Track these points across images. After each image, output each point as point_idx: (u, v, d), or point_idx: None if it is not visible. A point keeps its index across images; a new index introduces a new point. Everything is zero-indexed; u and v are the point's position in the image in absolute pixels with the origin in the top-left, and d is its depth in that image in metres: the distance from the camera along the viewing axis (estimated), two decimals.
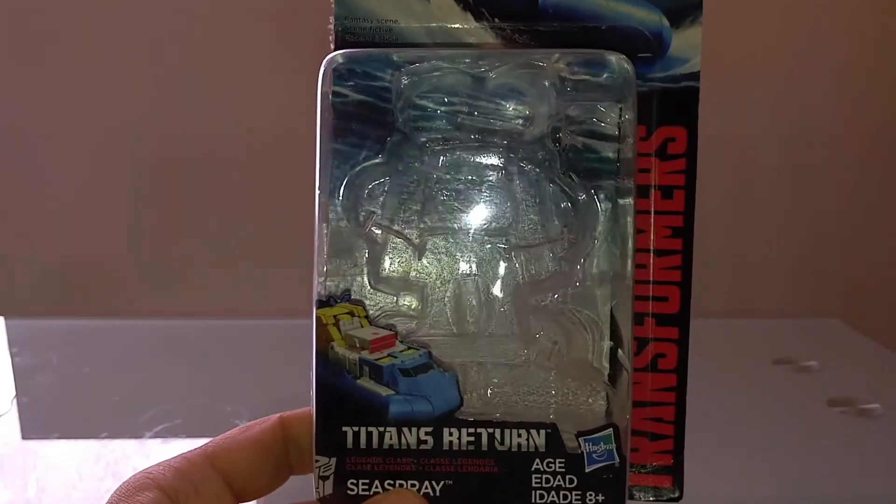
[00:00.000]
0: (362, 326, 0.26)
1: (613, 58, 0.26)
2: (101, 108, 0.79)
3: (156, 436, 0.55)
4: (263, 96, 0.79)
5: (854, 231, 0.86)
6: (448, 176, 0.26)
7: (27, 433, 0.57)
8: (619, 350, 0.26)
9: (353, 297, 0.26)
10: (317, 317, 0.26)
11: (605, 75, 0.26)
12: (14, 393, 0.62)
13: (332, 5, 0.27)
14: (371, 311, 0.26)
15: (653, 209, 0.27)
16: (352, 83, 0.26)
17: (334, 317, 0.26)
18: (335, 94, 0.26)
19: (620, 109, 0.26)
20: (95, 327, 0.76)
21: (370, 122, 0.26)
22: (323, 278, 0.26)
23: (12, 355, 0.69)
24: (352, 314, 0.26)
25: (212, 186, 0.80)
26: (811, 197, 0.85)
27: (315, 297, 0.26)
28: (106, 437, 0.56)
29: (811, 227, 0.85)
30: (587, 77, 0.26)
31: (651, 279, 0.27)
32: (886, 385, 0.65)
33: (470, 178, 0.26)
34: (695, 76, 0.27)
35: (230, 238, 0.81)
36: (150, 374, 0.66)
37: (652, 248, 0.27)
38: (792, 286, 0.86)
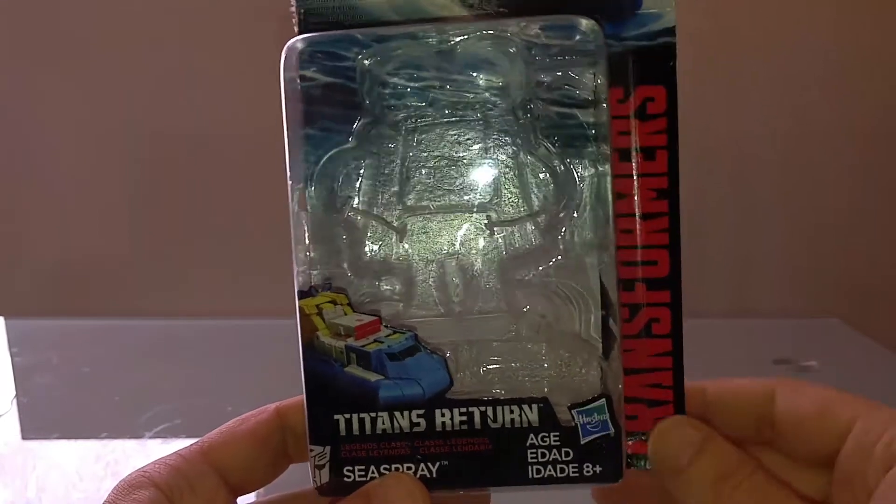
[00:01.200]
0: (346, 314, 0.26)
1: (582, 21, 0.25)
2: (100, 108, 0.79)
3: (156, 436, 0.55)
4: (264, 96, 0.79)
5: (854, 231, 0.86)
6: (424, 154, 0.26)
7: (27, 433, 0.57)
8: (610, 319, 0.26)
9: (334, 285, 0.26)
10: (299, 308, 0.26)
11: (575, 39, 0.25)
12: (14, 393, 0.62)
13: None
14: (354, 298, 0.26)
15: (636, 172, 0.26)
16: (316, 66, 0.25)
17: (317, 306, 0.26)
18: (302, 78, 0.25)
19: (593, 74, 0.25)
20: (95, 327, 0.77)
21: (340, 105, 0.26)
22: (303, 267, 0.26)
23: (12, 355, 0.69)
24: (334, 302, 0.26)
25: (212, 186, 0.80)
26: (811, 196, 0.85)
27: (296, 288, 0.26)
28: (106, 437, 0.56)
29: (811, 227, 0.85)
30: (556, 42, 0.25)
31: (639, 244, 0.27)
32: (886, 385, 0.65)
33: (446, 154, 0.26)
34: (670, 31, 0.26)
35: (230, 238, 0.81)
36: (150, 374, 0.66)
37: (637, 212, 0.26)
38: (792, 286, 0.86)
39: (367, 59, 0.25)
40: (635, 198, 0.26)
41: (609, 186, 0.26)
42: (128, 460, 0.53)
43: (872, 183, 0.85)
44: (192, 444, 0.26)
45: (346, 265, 0.26)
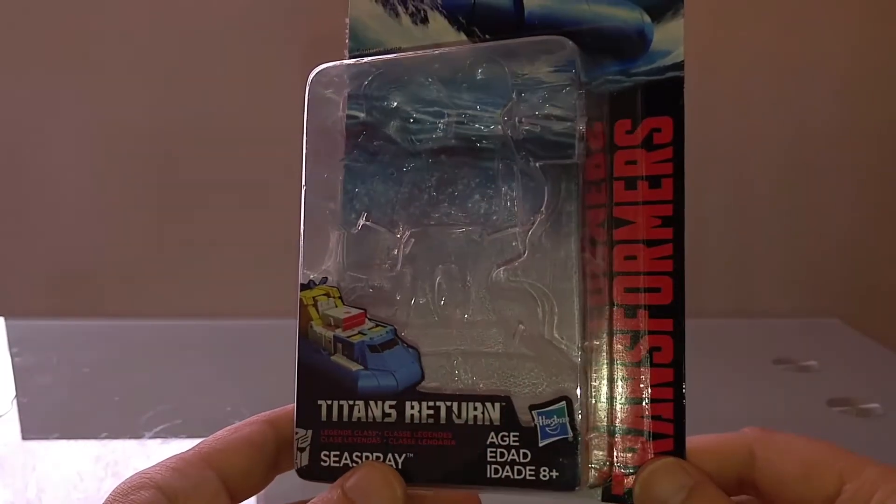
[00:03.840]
0: (336, 306, 0.28)
1: (558, 42, 0.27)
2: (100, 109, 0.79)
3: (156, 436, 0.55)
4: (267, 98, 0.79)
5: (854, 231, 0.86)
6: (421, 175, 0.28)
7: (27, 433, 0.57)
8: (577, 319, 0.26)
9: (329, 281, 0.28)
10: (300, 299, 0.28)
11: (554, 61, 0.27)
12: (14, 393, 0.62)
13: (347, 41, 0.30)
14: (345, 293, 0.28)
15: (641, 200, 0.27)
16: (351, 106, 0.29)
17: (313, 298, 0.28)
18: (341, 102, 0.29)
19: (566, 89, 0.26)
20: (95, 327, 0.77)
21: (354, 133, 0.29)
22: (306, 262, 0.28)
23: (12, 355, 0.69)
24: (328, 295, 0.28)
25: (212, 186, 0.81)
26: (811, 197, 0.85)
27: (299, 281, 0.28)
28: (106, 437, 0.56)
29: (811, 228, 0.85)
30: (539, 66, 0.27)
31: (642, 270, 0.27)
32: (886, 385, 0.65)
33: (444, 175, 0.28)
34: (679, 66, 0.27)
35: (230, 238, 0.81)
36: (150, 374, 0.66)
37: (642, 238, 0.27)
38: (792, 286, 0.86)
39: (376, 89, 0.29)
40: (640, 225, 0.27)
41: (577, 194, 0.26)
42: (128, 460, 0.53)
43: (872, 184, 0.85)
44: (191, 448, 0.26)
45: (342, 264, 0.28)
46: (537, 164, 0.27)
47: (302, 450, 0.27)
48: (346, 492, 0.25)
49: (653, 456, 0.26)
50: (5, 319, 0.76)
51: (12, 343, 0.71)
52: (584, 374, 0.26)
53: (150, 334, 0.75)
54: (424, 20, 0.29)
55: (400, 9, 0.30)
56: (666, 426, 0.26)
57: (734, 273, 0.85)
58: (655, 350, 0.26)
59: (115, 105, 0.79)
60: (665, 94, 0.27)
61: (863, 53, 0.83)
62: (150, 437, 0.55)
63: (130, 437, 0.55)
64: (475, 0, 0.29)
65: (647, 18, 0.27)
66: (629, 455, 0.26)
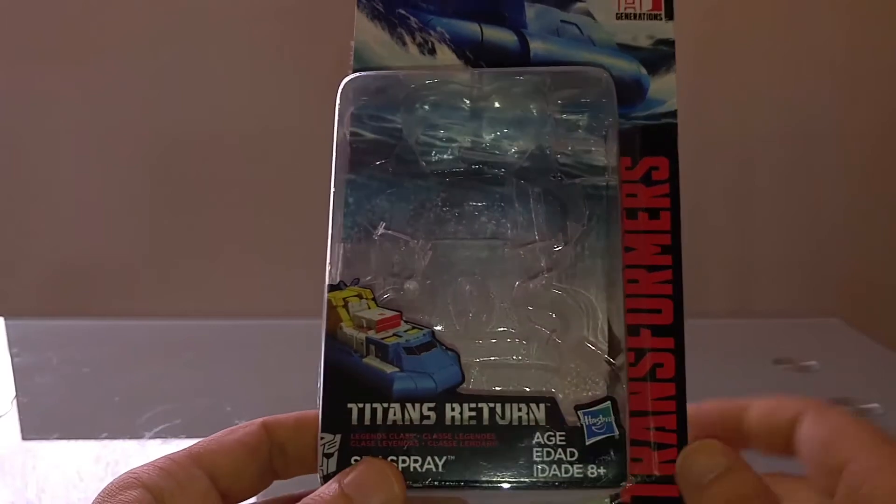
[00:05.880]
0: (369, 308, 0.27)
1: (593, 72, 0.29)
2: (101, 108, 0.79)
3: (156, 436, 0.55)
4: (269, 97, 0.79)
5: (854, 231, 0.86)
6: (447, 193, 0.28)
7: (27, 433, 0.57)
8: (614, 324, 0.27)
9: (362, 281, 0.28)
10: (327, 300, 0.27)
11: (587, 90, 0.29)
12: (14, 393, 0.62)
13: (351, 60, 0.31)
14: (378, 295, 0.28)
15: (642, 229, 0.29)
16: (364, 126, 0.29)
17: (343, 299, 0.27)
18: (352, 133, 0.29)
19: (600, 117, 0.29)
20: (95, 327, 0.77)
21: (381, 153, 0.29)
22: (336, 263, 0.28)
23: (12, 355, 0.69)
24: (360, 297, 0.28)
25: (212, 186, 0.81)
26: (811, 196, 0.85)
27: (327, 282, 0.28)
28: (106, 438, 0.56)
29: (811, 227, 0.85)
30: (572, 94, 0.29)
31: (644, 293, 0.29)
32: (886, 385, 0.65)
33: (470, 196, 0.28)
34: (672, 114, 0.30)
35: (230, 238, 0.81)
36: (150, 374, 0.66)
37: (643, 264, 0.29)
38: (792, 286, 0.86)
39: (406, 115, 0.29)
40: (641, 251, 0.29)
41: (619, 199, 0.28)
42: (128, 460, 0.53)
43: (872, 183, 0.85)
44: (181, 450, 0.26)
45: (374, 268, 0.28)
46: (574, 182, 0.28)
47: (329, 455, 0.26)
48: (343, 487, 0.25)
49: (658, 465, 0.28)
50: (5, 319, 0.76)
51: (12, 343, 0.71)
52: (626, 376, 0.27)
53: (150, 334, 0.75)
54: (432, 51, 0.31)
55: (408, 38, 0.31)
56: (669, 437, 0.28)
57: (734, 273, 0.85)
58: (658, 366, 0.28)
59: (115, 105, 0.79)
60: (661, 137, 0.30)
61: (865, 51, 0.83)
62: (150, 437, 0.55)
63: (130, 437, 0.55)
64: (483, 37, 0.31)
65: (644, 70, 0.30)
66: (635, 465, 0.27)
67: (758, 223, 0.85)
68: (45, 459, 0.53)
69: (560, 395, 0.26)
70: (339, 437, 0.26)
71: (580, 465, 0.26)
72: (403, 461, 0.26)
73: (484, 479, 0.26)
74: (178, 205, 0.81)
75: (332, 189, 0.29)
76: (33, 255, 0.81)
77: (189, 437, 0.55)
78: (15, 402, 0.61)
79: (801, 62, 0.82)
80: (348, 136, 0.29)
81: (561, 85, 0.29)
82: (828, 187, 0.85)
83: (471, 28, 0.31)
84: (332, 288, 0.28)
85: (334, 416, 0.26)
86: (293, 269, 0.80)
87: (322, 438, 0.26)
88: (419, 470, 0.26)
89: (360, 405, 0.26)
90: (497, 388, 0.27)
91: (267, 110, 0.79)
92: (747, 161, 0.83)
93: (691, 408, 0.28)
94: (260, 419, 0.28)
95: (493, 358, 0.27)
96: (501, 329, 0.27)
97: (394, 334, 0.27)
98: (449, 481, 0.26)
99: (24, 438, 0.56)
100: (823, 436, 0.28)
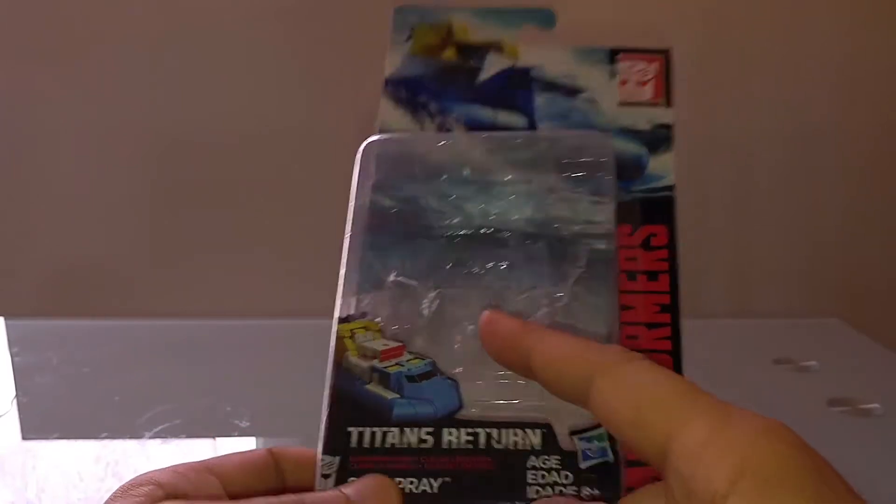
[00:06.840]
0: (374, 339, 0.29)
1: (594, 139, 0.32)
2: (102, 108, 0.79)
3: (156, 436, 0.55)
4: (269, 97, 0.79)
5: (854, 231, 0.86)
6: (457, 254, 0.30)
7: (27, 433, 0.57)
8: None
9: (369, 316, 0.29)
10: (336, 331, 0.29)
11: (588, 156, 0.31)
12: (14, 393, 0.62)
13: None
14: (383, 326, 0.29)
15: (641, 290, 0.31)
16: (384, 193, 0.32)
17: (351, 330, 0.29)
18: (372, 202, 0.32)
19: (599, 178, 0.31)
20: (95, 327, 0.77)
21: (398, 218, 0.31)
22: (348, 298, 0.30)
23: (12, 355, 0.69)
24: (366, 328, 0.29)
25: (212, 187, 0.80)
26: (811, 197, 0.85)
27: (336, 316, 0.29)
28: (106, 438, 0.56)
29: (811, 227, 0.85)
30: (576, 160, 0.31)
31: (644, 348, 0.30)
32: (886, 385, 0.66)
33: (479, 255, 0.30)
34: (669, 188, 0.33)
35: (231, 238, 0.81)
36: (150, 374, 0.66)
37: (642, 321, 0.31)
38: (792, 286, 0.86)
39: (421, 185, 0.32)
40: (641, 310, 0.31)
41: (614, 257, 0.29)
42: (128, 460, 0.53)
43: (872, 183, 0.85)
44: (194, 460, 0.27)
45: (382, 307, 0.29)
46: (576, 245, 0.30)
47: (326, 476, 0.27)
48: (346, 493, 0.25)
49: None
50: (5, 319, 0.76)
51: (12, 343, 0.71)
52: None
53: (150, 334, 0.75)
54: (448, 132, 0.34)
55: (427, 122, 0.34)
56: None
57: (734, 273, 0.85)
58: None
59: (115, 105, 0.79)
60: (660, 208, 0.32)
61: (865, 51, 0.83)
62: (150, 437, 0.55)
63: (130, 437, 0.55)
64: (496, 121, 0.34)
65: (644, 150, 0.33)
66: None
67: (757, 224, 0.85)
68: (45, 459, 0.53)
69: (556, 422, 0.27)
70: (338, 458, 0.27)
71: (574, 487, 0.26)
72: (400, 483, 0.26)
73: (479, 501, 0.26)
74: (178, 205, 0.81)
75: (346, 249, 0.31)
76: (33, 255, 0.81)
77: (189, 437, 0.56)
78: (15, 402, 0.61)
79: (800, 63, 0.82)
80: (367, 203, 0.31)
81: (564, 151, 0.32)
82: (827, 188, 0.85)
83: (485, 112, 0.34)
84: (342, 321, 0.29)
85: (334, 440, 0.27)
86: (293, 269, 0.80)
87: (322, 460, 0.27)
88: (415, 491, 0.26)
89: (360, 429, 0.27)
90: (494, 414, 0.27)
91: (267, 110, 0.79)
92: (747, 162, 0.83)
93: (488, 315, 0.28)
94: (265, 448, 0.28)
95: (493, 402, 0.28)
96: (502, 372, 0.28)
97: (396, 363, 0.28)
98: (445, 503, 0.26)
99: (24, 438, 0.56)
100: (627, 411, 0.22)
